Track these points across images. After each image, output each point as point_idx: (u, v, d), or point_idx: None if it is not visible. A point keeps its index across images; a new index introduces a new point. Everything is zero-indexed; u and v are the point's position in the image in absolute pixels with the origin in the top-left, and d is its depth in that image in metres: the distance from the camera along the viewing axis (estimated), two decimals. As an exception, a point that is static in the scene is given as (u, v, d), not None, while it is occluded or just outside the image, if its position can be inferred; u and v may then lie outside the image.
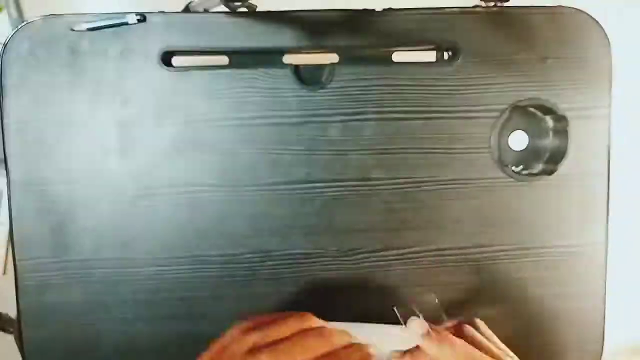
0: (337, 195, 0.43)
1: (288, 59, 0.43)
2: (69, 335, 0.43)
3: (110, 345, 0.44)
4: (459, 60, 0.42)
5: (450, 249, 0.44)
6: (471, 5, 0.43)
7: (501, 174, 0.43)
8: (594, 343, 0.45)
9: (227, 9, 0.40)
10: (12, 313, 0.74)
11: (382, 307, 0.44)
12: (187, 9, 0.45)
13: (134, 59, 0.41)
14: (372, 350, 0.35)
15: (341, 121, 0.43)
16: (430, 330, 0.37)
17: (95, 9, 0.76)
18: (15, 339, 0.73)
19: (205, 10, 0.43)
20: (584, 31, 0.43)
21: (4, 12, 0.71)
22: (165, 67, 0.42)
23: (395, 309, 0.39)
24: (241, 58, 0.43)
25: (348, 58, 0.43)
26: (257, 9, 0.43)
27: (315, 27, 0.42)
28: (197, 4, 0.44)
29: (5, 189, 0.69)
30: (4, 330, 0.74)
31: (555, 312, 0.45)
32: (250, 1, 0.40)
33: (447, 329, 0.39)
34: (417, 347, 0.37)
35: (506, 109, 0.43)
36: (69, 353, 0.44)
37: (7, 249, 0.70)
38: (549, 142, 0.44)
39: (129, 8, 0.75)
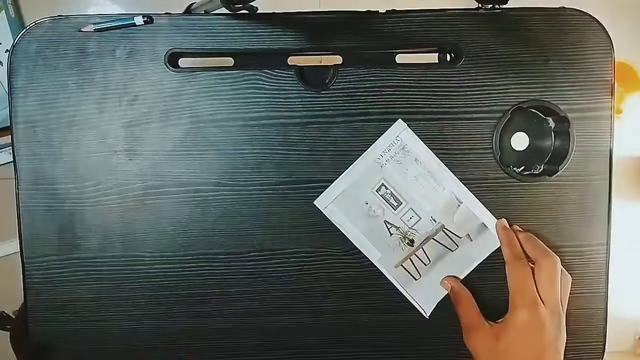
0: (340, 195, 0.43)
1: (292, 60, 0.44)
2: (75, 332, 0.44)
3: (117, 341, 0.44)
4: (461, 62, 0.43)
5: (452, 248, 0.44)
6: (473, 8, 0.43)
7: (503, 175, 0.44)
8: (595, 342, 0.46)
9: (228, 11, 0.40)
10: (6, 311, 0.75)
11: (385, 305, 0.45)
12: (188, 11, 0.46)
13: (140, 60, 0.42)
14: None
15: (344, 122, 0.43)
16: None
17: (94, 9, 0.76)
18: (10, 339, 0.73)
19: (206, 12, 0.44)
20: (586, 32, 0.43)
21: (3, 12, 0.71)
22: (172, 68, 0.42)
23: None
24: (246, 59, 0.43)
25: (351, 60, 0.44)
26: (259, 11, 0.43)
27: (319, 29, 0.43)
28: (198, 6, 0.45)
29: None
30: (2, 328, 0.75)
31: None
32: (251, 3, 0.40)
33: None
34: None
35: (508, 110, 0.43)
36: (76, 350, 0.44)
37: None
38: (551, 143, 0.45)
39: (127, 9, 0.76)
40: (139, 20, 0.42)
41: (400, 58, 0.44)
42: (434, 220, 0.43)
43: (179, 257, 0.44)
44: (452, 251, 0.44)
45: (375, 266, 0.44)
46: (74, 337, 0.44)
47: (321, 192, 0.43)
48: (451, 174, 0.43)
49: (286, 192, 0.43)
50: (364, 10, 0.43)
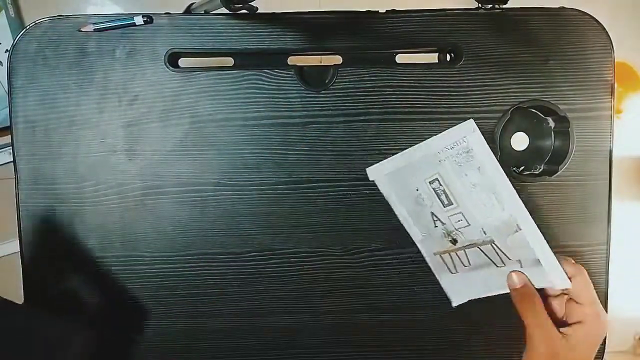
0: (340, 195, 0.43)
1: (292, 60, 0.44)
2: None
3: (116, 341, 0.44)
4: (461, 62, 0.43)
5: (452, 248, 0.44)
6: (473, 8, 0.43)
7: (503, 175, 0.44)
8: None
9: (228, 11, 0.40)
10: None
11: (385, 305, 0.45)
12: (188, 11, 0.46)
13: (140, 60, 0.42)
14: None
15: (344, 122, 0.43)
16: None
17: (94, 9, 0.76)
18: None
19: (206, 12, 0.44)
20: (585, 32, 0.43)
21: (3, 12, 0.71)
22: (172, 68, 0.42)
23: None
24: (246, 59, 0.43)
25: (351, 60, 0.44)
26: (259, 11, 0.43)
27: (319, 29, 0.43)
28: (198, 6, 0.45)
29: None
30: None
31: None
32: (251, 3, 0.40)
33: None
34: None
35: (508, 110, 0.43)
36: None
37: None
38: (551, 143, 0.45)
39: (127, 9, 0.76)
40: (138, 20, 0.42)
41: (400, 58, 0.44)
42: (484, 233, 0.40)
43: (178, 257, 0.44)
44: (497, 267, 0.40)
45: (375, 266, 0.44)
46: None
47: (321, 192, 0.43)
48: (517, 197, 0.38)
49: (286, 192, 0.43)
50: (364, 10, 0.43)
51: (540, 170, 0.45)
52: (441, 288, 0.44)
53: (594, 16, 0.43)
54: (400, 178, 0.42)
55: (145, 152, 0.43)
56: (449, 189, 0.40)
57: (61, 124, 0.42)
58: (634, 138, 0.83)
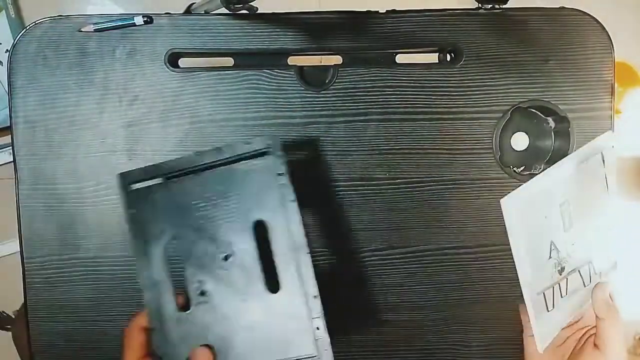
0: (340, 195, 0.43)
1: (292, 60, 0.44)
2: (75, 332, 0.44)
3: (115, 342, 0.44)
4: (461, 62, 0.43)
5: (451, 248, 0.44)
6: (473, 8, 0.43)
7: (503, 175, 0.44)
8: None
9: (228, 11, 0.40)
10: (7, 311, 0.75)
11: (385, 305, 0.45)
12: (188, 11, 0.46)
13: (140, 60, 0.42)
14: None
15: (344, 122, 0.43)
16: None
17: (94, 9, 0.76)
18: (12, 336, 0.74)
19: (206, 12, 0.44)
20: (586, 32, 0.43)
21: (3, 12, 0.71)
22: (172, 68, 0.42)
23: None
24: (246, 59, 0.43)
25: (352, 60, 0.44)
26: (259, 11, 0.43)
27: (319, 29, 0.43)
28: (198, 6, 0.45)
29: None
30: (2, 327, 0.75)
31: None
32: (251, 3, 0.40)
33: None
34: None
35: (508, 110, 0.43)
36: (75, 349, 0.44)
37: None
38: (551, 143, 0.45)
39: (127, 9, 0.76)
40: (139, 20, 0.42)
41: (400, 58, 0.44)
42: (589, 251, 0.38)
43: (178, 257, 0.43)
44: (585, 287, 0.39)
45: (375, 266, 0.44)
46: (72, 335, 0.44)
47: (321, 192, 0.43)
48: (620, 204, 0.38)
49: (286, 192, 0.43)
50: (364, 10, 0.43)
51: (541, 170, 0.45)
52: (441, 288, 0.44)
53: (594, 16, 0.43)
54: (533, 207, 0.36)
55: (146, 152, 0.43)
56: (574, 208, 0.37)
57: (61, 124, 0.42)
58: (634, 138, 0.83)
